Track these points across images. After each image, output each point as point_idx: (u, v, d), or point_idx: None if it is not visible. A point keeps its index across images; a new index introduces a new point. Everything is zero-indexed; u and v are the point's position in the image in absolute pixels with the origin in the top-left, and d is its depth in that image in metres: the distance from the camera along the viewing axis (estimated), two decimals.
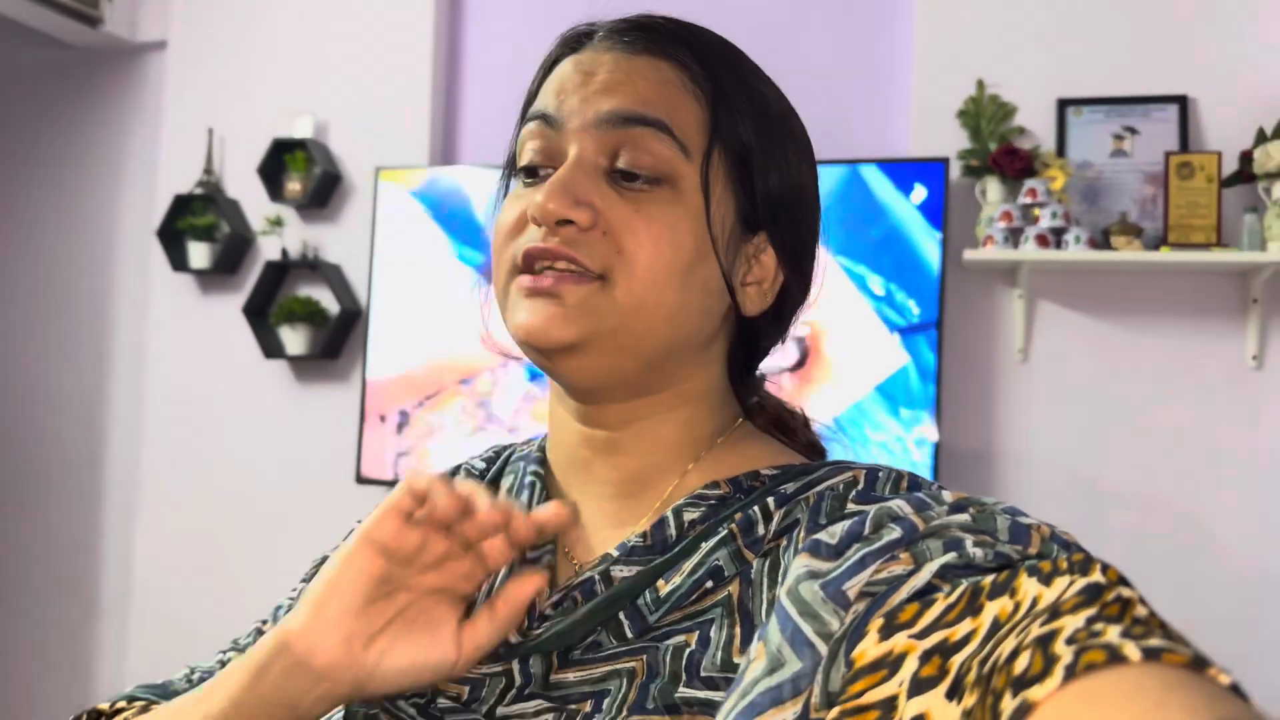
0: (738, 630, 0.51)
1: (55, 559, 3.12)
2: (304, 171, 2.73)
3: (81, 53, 3.12)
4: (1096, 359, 2.26)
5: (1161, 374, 2.22)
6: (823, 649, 0.42)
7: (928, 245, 2.20)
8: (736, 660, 0.50)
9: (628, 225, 0.54)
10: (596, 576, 0.55)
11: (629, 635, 0.53)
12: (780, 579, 0.51)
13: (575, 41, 0.60)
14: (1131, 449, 2.22)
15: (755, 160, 0.58)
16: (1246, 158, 2.13)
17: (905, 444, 2.20)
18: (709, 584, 0.53)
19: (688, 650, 0.51)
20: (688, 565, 0.53)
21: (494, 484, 0.67)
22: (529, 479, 0.63)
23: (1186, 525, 2.18)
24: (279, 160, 2.76)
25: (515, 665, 0.54)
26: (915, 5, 2.40)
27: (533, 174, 0.58)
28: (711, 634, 0.51)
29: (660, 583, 0.53)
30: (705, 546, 0.54)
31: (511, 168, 0.62)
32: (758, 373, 0.66)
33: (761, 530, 0.54)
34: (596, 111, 0.55)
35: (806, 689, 0.41)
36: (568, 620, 0.54)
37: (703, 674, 0.50)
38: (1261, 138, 2.12)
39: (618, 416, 0.59)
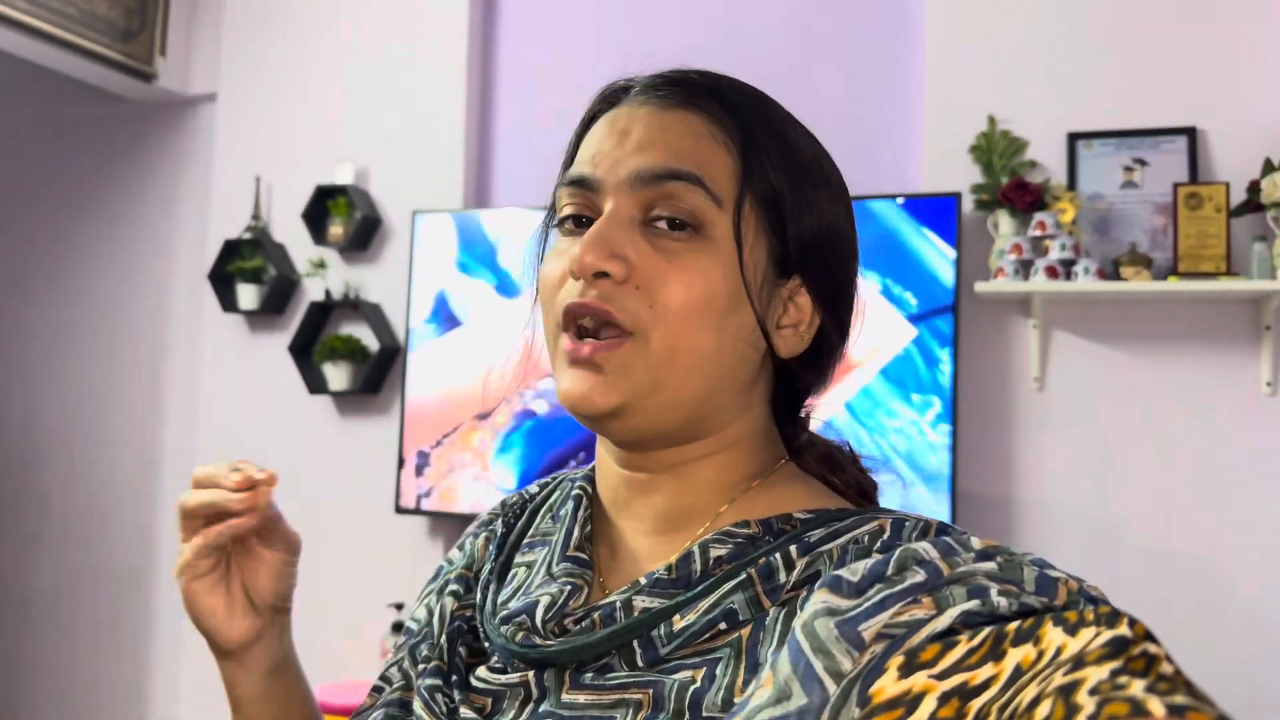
0: (742, 672, 0.52)
1: (113, 587, 3.26)
2: (345, 216, 2.86)
3: (137, 106, 3.29)
4: (1112, 387, 2.30)
5: (1177, 401, 2.26)
6: (832, 687, 0.42)
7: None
8: (737, 700, 0.50)
9: (661, 277, 0.56)
10: (619, 603, 0.56)
11: (640, 664, 0.54)
12: None
13: (612, 97, 0.62)
14: (1147, 475, 2.26)
15: (787, 206, 0.59)
16: (1254, 187, 2.18)
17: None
18: (722, 625, 0.53)
19: (693, 686, 0.51)
20: (704, 604, 0.54)
21: (543, 503, 0.71)
22: (576, 491, 0.66)
23: (1203, 550, 2.21)
24: (322, 205, 2.90)
25: (531, 677, 0.57)
26: (926, 44, 2.48)
27: (575, 223, 0.60)
28: (718, 672, 0.52)
29: (676, 618, 0.54)
30: (724, 588, 0.54)
31: (551, 219, 0.65)
32: (803, 412, 0.67)
33: (782, 578, 0.54)
34: (630, 170, 0.57)
35: None
36: (582, 640, 0.55)
37: (705, 713, 0.50)
38: (1269, 168, 2.16)
39: (659, 462, 0.61)
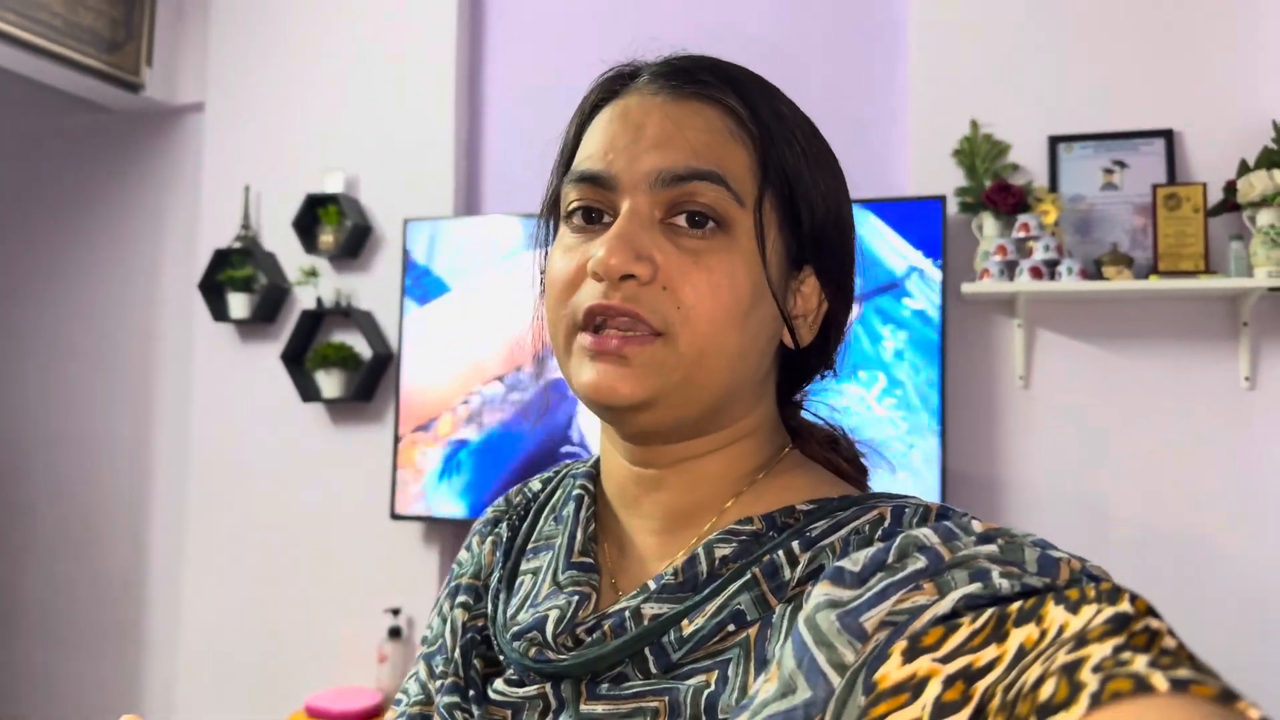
0: (752, 670, 0.52)
1: (105, 598, 3.26)
2: (336, 224, 2.87)
3: (124, 117, 3.29)
4: (1095, 384, 2.35)
5: (1158, 396, 2.31)
6: (836, 680, 0.42)
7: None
8: None
9: (687, 277, 0.55)
10: (628, 612, 0.56)
11: (653, 671, 0.54)
12: None
13: (616, 85, 0.61)
14: (1131, 470, 2.31)
15: (801, 200, 0.59)
16: (1230, 188, 2.23)
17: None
18: (731, 627, 0.53)
19: (707, 690, 0.51)
20: (711, 607, 0.54)
21: (546, 502, 0.70)
22: (577, 491, 0.65)
23: (1185, 542, 2.26)
24: (312, 214, 2.91)
25: (549, 689, 0.57)
26: (909, 50, 2.52)
27: (585, 218, 0.58)
28: (730, 673, 0.52)
29: (685, 622, 0.54)
30: (730, 589, 0.54)
31: (551, 214, 0.63)
32: (797, 396, 0.68)
33: (786, 575, 0.53)
34: (650, 168, 0.56)
35: (817, 717, 0.42)
36: (595, 652, 0.55)
37: (720, 715, 0.50)
38: (1244, 168, 2.22)
39: (669, 456, 0.60)
